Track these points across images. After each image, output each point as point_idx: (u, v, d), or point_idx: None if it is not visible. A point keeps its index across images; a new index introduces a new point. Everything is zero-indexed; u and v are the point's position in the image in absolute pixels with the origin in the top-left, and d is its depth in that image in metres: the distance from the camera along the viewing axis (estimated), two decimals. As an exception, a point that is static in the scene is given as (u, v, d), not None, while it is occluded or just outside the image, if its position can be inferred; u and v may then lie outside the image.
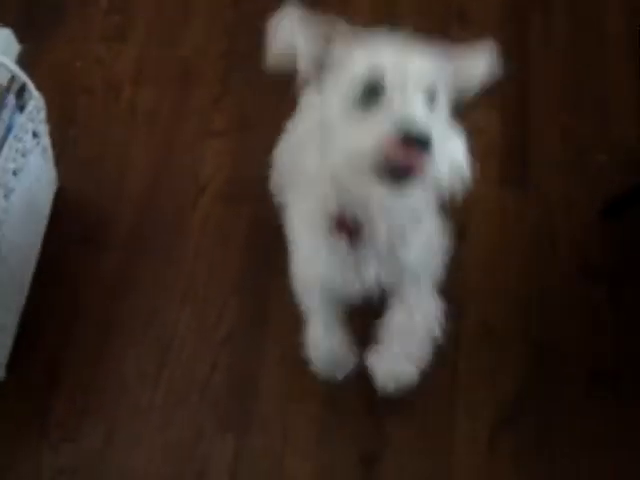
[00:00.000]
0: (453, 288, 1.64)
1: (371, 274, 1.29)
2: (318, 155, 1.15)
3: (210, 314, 1.79)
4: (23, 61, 2.06)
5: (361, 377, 1.69)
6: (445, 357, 1.72)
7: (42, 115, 1.68)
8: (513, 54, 2.12)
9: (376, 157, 0.98)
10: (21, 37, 2.14)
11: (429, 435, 1.67)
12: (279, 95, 2.04)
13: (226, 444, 1.67)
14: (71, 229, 1.90)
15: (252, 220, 1.89)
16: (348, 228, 1.22)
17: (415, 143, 0.96)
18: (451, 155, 1.03)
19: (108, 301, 1.81)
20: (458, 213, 1.87)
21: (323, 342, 1.53)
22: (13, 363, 1.74)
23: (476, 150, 1.94)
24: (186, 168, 1.97)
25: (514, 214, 1.90)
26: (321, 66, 1.08)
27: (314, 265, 1.33)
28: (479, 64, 1.13)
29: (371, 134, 0.98)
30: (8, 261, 1.59)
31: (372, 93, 1.01)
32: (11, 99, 1.56)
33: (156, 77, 2.12)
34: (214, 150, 1.99)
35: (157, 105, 2.08)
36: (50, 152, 1.81)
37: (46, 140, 1.75)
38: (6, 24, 2.10)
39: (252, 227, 1.88)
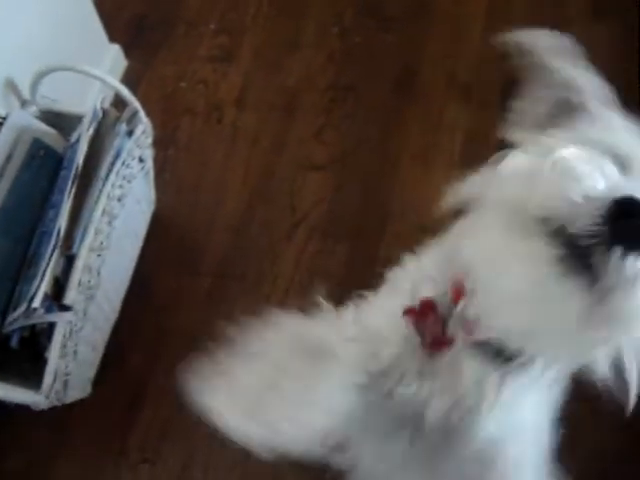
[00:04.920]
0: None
1: None
2: None
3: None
4: (129, 77, 2.10)
5: None
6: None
7: (149, 140, 1.68)
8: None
9: None
10: (128, 53, 2.18)
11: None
12: (382, 130, 2.06)
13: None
14: (163, 251, 1.91)
15: (348, 258, 1.87)
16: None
17: None
18: None
19: (195, 326, 1.81)
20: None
21: None
22: (99, 380, 1.75)
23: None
24: (283, 199, 1.96)
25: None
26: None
27: None
28: None
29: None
30: (106, 285, 1.61)
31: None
32: (123, 127, 1.57)
33: (260, 103, 2.13)
34: (313, 183, 1.98)
35: (258, 131, 2.08)
36: (151, 174, 1.81)
37: (150, 164, 1.75)
38: (115, 40, 2.13)
39: (347, 265, 1.87)
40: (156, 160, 1.82)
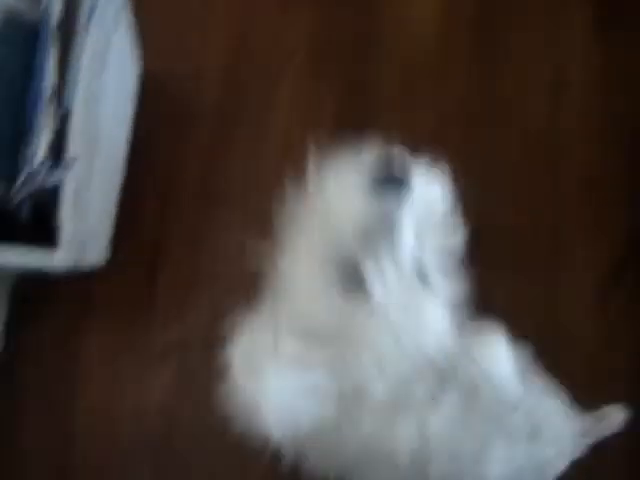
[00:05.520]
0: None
1: None
2: None
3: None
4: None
5: None
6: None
7: (123, -6, 1.64)
8: None
9: None
10: None
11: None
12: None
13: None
14: (157, 109, 1.87)
15: (342, 92, 1.85)
16: None
17: None
18: None
19: (203, 175, 1.80)
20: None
21: None
22: (116, 247, 1.75)
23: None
24: (270, 36, 1.91)
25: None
26: None
27: None
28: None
29: None
30: (105, 144, 1.59)
31: None
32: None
33: None
34: (300, 17, 1.92)
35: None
36: (133, 29, 1.77)
37: (129, 17, 1.71)
38: None
39: (342, 99, 1.85)
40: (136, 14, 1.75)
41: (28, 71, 1.56)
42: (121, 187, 1.78)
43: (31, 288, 1.72)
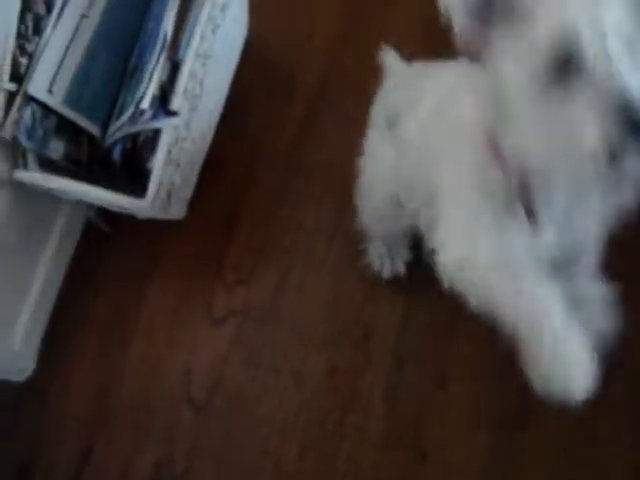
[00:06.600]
0: None
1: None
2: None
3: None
4: None
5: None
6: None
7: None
8: None
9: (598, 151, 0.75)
10: None
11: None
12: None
13: (396, 307, 1.66)
14: (256, 77, 1.87)
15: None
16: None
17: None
18: None
19: (290, 149, 1.79)
20: None
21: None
22: (195, 203, 1.75)
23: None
24: (376, 27, 1.89)
25: None
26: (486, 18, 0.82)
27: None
28: None
29: (584, 122, 0.75)
30: (206, 98, 1.59)
31: (565, 62, 0.76)
32: None
33: None
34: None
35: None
36: (246, -2, 1.77)
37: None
38: None
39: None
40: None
41: (143, 12, 1.57)
42: (210, 146, 1.78)
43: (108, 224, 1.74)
